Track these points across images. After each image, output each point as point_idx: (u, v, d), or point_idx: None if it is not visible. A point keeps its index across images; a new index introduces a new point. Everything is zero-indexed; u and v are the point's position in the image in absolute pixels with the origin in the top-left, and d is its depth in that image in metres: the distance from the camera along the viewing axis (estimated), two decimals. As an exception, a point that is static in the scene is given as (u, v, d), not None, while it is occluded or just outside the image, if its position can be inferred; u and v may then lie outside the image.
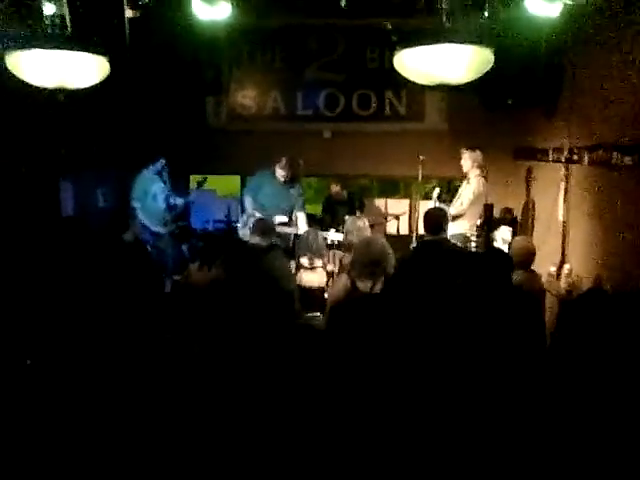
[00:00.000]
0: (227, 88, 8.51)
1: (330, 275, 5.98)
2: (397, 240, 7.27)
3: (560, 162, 6.41)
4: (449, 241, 5.31)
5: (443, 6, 3.99)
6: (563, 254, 6.29)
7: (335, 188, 9.20)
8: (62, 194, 7.18)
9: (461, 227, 6.88)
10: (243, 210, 7.60)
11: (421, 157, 7.20)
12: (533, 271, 5.27)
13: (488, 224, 7.47)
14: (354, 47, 8.68)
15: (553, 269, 6.20)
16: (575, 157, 6.07)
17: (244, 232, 7.17)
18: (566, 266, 6.04)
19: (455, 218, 6.71)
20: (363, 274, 4.55)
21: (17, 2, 4.12)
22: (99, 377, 3.43)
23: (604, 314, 3.04)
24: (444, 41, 3.81)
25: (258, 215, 7.13)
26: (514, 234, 6.97)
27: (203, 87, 7.67)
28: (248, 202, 7.43)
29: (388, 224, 8.88)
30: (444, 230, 5.14)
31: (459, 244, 6.26)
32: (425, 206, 7.09)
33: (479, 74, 4.00)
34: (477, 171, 7.10)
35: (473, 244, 6.93)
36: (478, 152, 7.14)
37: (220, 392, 3.15)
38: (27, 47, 3.86)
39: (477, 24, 4.09)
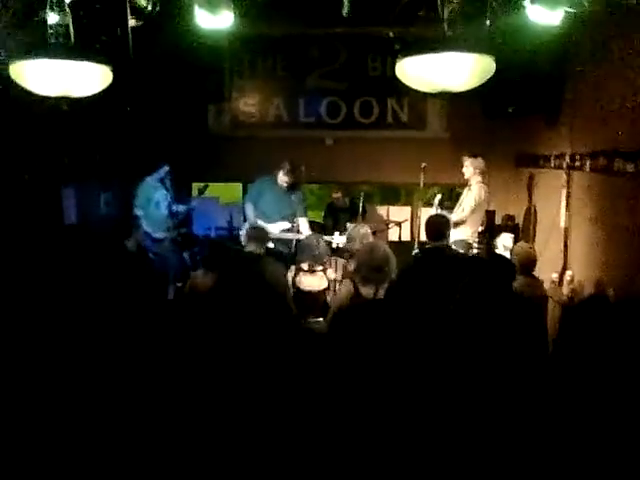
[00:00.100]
0: (229, 96, 8.56)
1: (333, 282, 5.98)
2: (399, 247, 7.27)
3: (562, 169, 6.43)
4: (451, 248, 5.32)
5: (445, 14, 4.00)
6: (565, 260, 6.29)
7: (337, 195, 9.21)
8: (64, 202, 7.20)
9: (463, 234, 6.89)
10: (245, 218, 7.62)
11: (423, 164, 7.22)
12: (535, 277, 5.28)
13: (490, 231, 7.49)
14: (356, 55, 8.72)
15: (555, 275, 6.21)
16: (577, 164, 6.08)
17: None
18: (568, 272, 6.04)
19: (457, 225, 6.72)
20: (366, 280, 4.57)
21: (21, 12, 4.15)
22: (98, 383, 3.44)
23: (606, 320, 3.05)
24: (446, 49, 3.83)
25: (260, 222, 7.15)
26: (516, 240, 6.98)
27: (205, 95, 7.70)
28: (249, 209, 7.44)
29: (390, 231, 8.88)
30: (446, 237, 5.15)
31: (461, 250, 6.27)
32: (427, 213, 7.10)
33: (481, 82, 4.01)
34: (479, 178, 7.12)
35: (475, 251, 6.93)
36: (480, 159, 7.16)
37: (222, 398, 3.15)
38: (31, 56, 3.88)
39: (478, 32, 4.11)
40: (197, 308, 5.01)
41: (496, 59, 3.93)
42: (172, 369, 3.50)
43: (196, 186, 8.42)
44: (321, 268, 5.81)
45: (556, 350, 3.66)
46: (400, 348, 3.42)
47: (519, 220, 7.93)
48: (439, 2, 4.05)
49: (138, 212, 7.42)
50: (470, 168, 7.16)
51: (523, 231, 7.74)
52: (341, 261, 6.70)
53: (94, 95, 4.21)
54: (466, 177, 7.23)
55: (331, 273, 5.99)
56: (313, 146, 8.76)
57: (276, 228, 7.40)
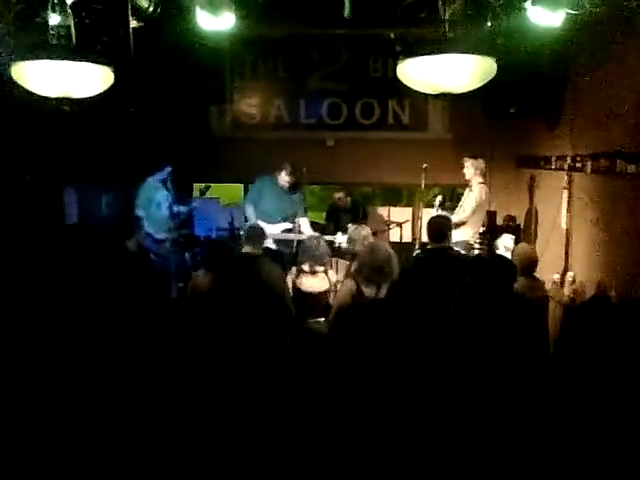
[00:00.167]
0: (231, 97, 8.56)
1: (334, 283, 5.97)
2: (400, 247, 7.26)
3: (563, 170, 6.43)
4: (453, 249, 5.32)
5: (446, 16, 4.00)
6: (566, 261, 6.29)
7: (339, 195, 9.21)
8: (66, 202, 7.20)
9: (464, 234, 6.89)
10: (246, 219, 7.62)
11: (424, 165, 7.22)
12: (536, 278, 5.27)
13: (491, 232, 7.48)
14: (357, 56, 8.72)
15: (556, 276, 6.21)
16: (578, 165, 6.08)
17: None
18: (569, 273, 6.04)
19: (458, 226, 6.72)
20: (368, 280, 4.58)
21: (23, 13, 4.15)
22: (100, 380, 3.45)
23: (608, 321, 3.04)
24: (447, 51, 3.83)
25: (261, 223, 7.14)
26: (517, 241, 6.98)
27: (207, 96, 7.70)
28: (250, 211, 7.44)
29: (391, 232, 8.87)
30: (448, 238, 5.15)
31: (462, 251, 6.27)
32: (428, 214, 7.09)
33: (482, 83, 4.01)
34: (479, 179, 7.13)
35: (476, 251, 6.93)
36: (480, 160, 7.17)
37: (221, 396, 3.16)
38: (32, 57, 3.89)
39: (480, 34, 4.11)
40: (197, 308, 5.02)
41: (497, 60, 3.93)
42: (173, 367, 3.51)
43: (197, 187, 8.42)
44: (322, 269, 5.80)
45: (557, 351, 3.65)
46: (401, 348, 3.43)
47: (520, 221, 7.93)
48: (440, 3, 4.05)
49: (139, 213, 7.42)
50: (471, 169, 7.17)
51: (524, 232, 7.75)
52: (342, 262, 6.71)
53: (95, 96, 4.22)
54: (467, 178, 7.24)
55: (332, 274, 5.98)
56: (314, 147, 8.77)
57: (277, 229, 7.41)
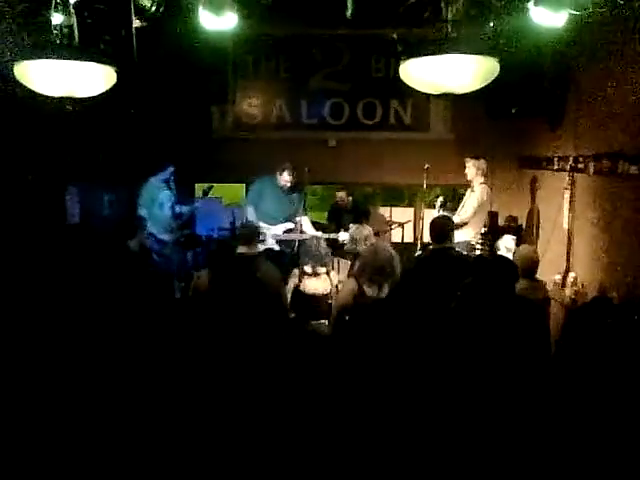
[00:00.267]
0: (233, 97, 8.56)
1: (336, 284, 5.97)
2: (401, 248, 7.27)
3: (565, 171, 6.42)
4: (455, 249, 5.32)
5: (448, 16, 4.01)
6: (568, 262, 6.29)
7: (341, 195, 9.21)
8: (68, 202, 7.20)
9: (466, 235, 6.89)
10: (247, 220, 7.61)
11: (426, 165, 7.23)
12: (537, 280, 5.27)
13: (493, 232, 7.48)
14: (359, 57, 8.71)
15: (558, 277, 6.20)
16: (580, 166, 6.08)
17: None
18: (571, 274, 6.04)
19: (459, 226, 6.72)
20: (371, 280, 4.60)
21: (26, 12, 4.16)
22: (101, 380, 3.45)
23: (609, 322, 3.05)
24: (450, 51, 3.83)
25: (263, 224, 7.16)
26: (519, 242, 6.98)
27: (209, 96, 7.71)
28: (250, 212, 7.42)
29: (393, 232, 8.87)
30: (450, 238, 5.15)
31: (464, 252, 6.27)
32: (429, 214, 7.10)
33: (484, 83, 4.01)
34: (481, 179, 7.13)
35: (478, 252, 6.93)
36: (482, 160, 7.17)
37: (220, 396, 3.16)
38: (35, 57, 3.90)
39: (482, 34, 4.12)
40: (198, 308, 5.02)
41: (500, 61, 3.93)
42: (175, 366, 3.51)
43: (199, 187, 8.42)
44: (324, 270, 5.80)
45: (559, 352, 3.66)
46: (403, 348, 3.43)
47: (522, 221, 7.93)
48: (443, 4, 4.06)
49: (142, 212, 7.42)
50: (473, 169, 7.17)
51: (526, 232, 7.74)
52: (344, 262, 6.71)
53: (98, 96, 4.22)
54: (469, 178, 7.24)
55: (334, 275, 5.98)
56: (316, 147, 8.76)
57: (279, 229, 7.41)
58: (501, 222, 8.00)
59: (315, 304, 5.69)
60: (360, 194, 9.64)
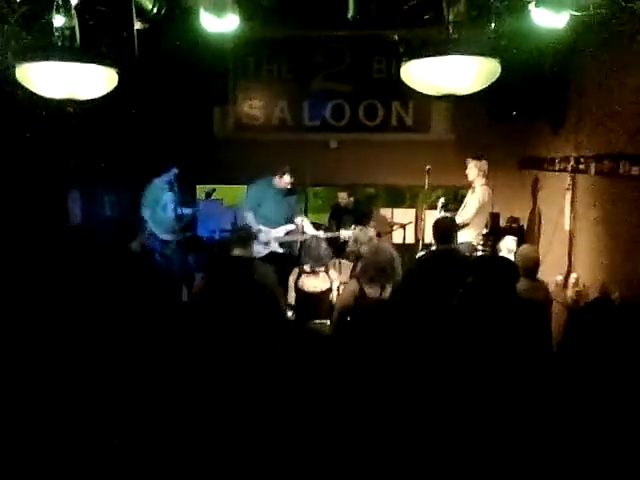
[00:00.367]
0: (234, 99, 8.57)
1: (337, 283, 5.98)
2: (403, 249, 7.27)
3: (566, 172, 6.42)
4: (458, 251, 5.31)
5: (450, 17, 4.00)
6: (570, 263, 6.29)
7: (342, 196, 9.21)
8: (70, 204, 7.21)
9: (467, 236, 6.89)
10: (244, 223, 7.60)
11: (427, 166, 7.23)
12: (538, 280, 5.27)
13: (494, 233, 7.48)
14: (361, 58, 8.72)
15: (560, 278, 6.20)
16: (581, 167, 6.08)
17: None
18: (573, 275, 6.04)
19: (461, 227, 6.72)
20: (372, 280, 4.60)
21: (28, 15, 4.16)
22: (104, 381, 3.45)
23: (611, 323, 3.04)
24: (451, 52, 3.82)
25: (265, 229, 7.17)
26: (520, 243, 6.98)
27: (210, 98, 7.72)
28: (250, 218, 7.39)
29: (394, 233, 8.87)
30: (453, 239, 5.15)
31: (467, 253, 6.27)
32: (431, 215, 7.11)
33: (486, 85, 4.01)
34: (482, 180, 7.13)
35: (479, 253, 6.93)
36: (483, 161, 7.17)
37: (219, 398, 3.16)
38: (37, 59, 3.90)
39: (484, 35, 4.11)
40: (195, 310, 5.03)
41: (501, 62, 3.93)
42: (179, 368, 3.51)
43: (201, 189, 8.43)
44: (323, 269, 5.81)
45: (560, 353, 3.65)
46: (405, 349, 3.43)
47: (523, 222, 7.93)
48: (444, 5, 4.05)
49: (145, 213, 7.43)
50: (474, 170, 7.17)
51: (528, 233, 7.74)
52: (346, 263, 6.72)
53: (100, 98, 4.23)
54: (470, 179, 7.23)
55: (333, 273, 5.99)
56: (318, 149, 8.77)
57: (281, 231, 7.41)
58: (502, 223, 8.01)
59: (315, 303, 5.70)
60: (361, 195, 9.62)
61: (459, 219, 6.84)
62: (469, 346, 3.60)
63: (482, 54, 3.87)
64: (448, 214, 6.83)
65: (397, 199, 12.74)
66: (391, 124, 8.89)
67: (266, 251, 7.30)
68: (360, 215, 8.56)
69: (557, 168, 6.78)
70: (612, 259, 5.42)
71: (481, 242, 7.10)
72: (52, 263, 5.67)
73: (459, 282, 4.08)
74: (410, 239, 8.78)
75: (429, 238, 6.95)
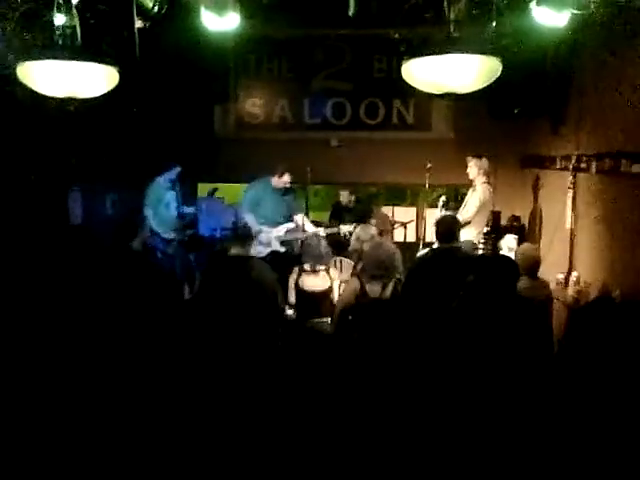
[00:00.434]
0: (235, 97, 8.57)
1: (338, 282, 5.98)
2: (404, 247, 7.28)
3: (568, 170, 6.42)
4: (461, 249, 5.30)
5: (451, 16, 4.00)
6: (571, 262, 6.28)
7: (343, 194, 9.22)
8: (70, 202, 7.21)
9: (468, 234, 6.88)
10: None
11: (428, 165, 7.23)
12: (539, 279, 5.27)
13: (495, 231, 7.48)
14: (361, 56, 8.71)
15: (561, 276, 6.20)
16: (583, 165, 6.07)
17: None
18: (574, 274, 6.03)
19: (462, 226, 6.71)
20: (373, 277, 4.60)
21: (29, 13, 4.17)
22: (105, 380, 3.45)
23: (612, 322, 3.04)
24: (452, 51, 3.83)
25: (265, 229, 7.17)
26: (521, 241, 6.98)
27: (211, 96, 7.71)
28: (250, 219, 7.37)
29: (395, 231, 8.88)
30: (456, 238, 5.14)
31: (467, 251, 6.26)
32: (432, 214, 7.12)
33: (487, 83, 4.01)
34: (483, 179, 7.12)
35: (480, 252, 6.93)
36: (484, 160, 7.16)
37: (218, 398, 3.16)
38: (38, 58, 3.90)
39: (485, 34, 4.11)
40: (194, 309, 5.03)
41: (502, 60, 3.93)
42: (181, 367, 3.51)
43: (202, 187, 8.43)
44: (323, 267, 5.82)
45: (561, 351, 3.65)
46: (407, 347, 3.43)
47: (524, 221, 7.93)
48: (445, 3, 4.05)
49: (147, 211, 7.44)
50: (475, 169, 7.16)
51: (529, 232, 7.74)
52: (347, 261, 6.72)
53: (101, 96, 4.23)
54: (471, 178, 7.23)
55: (334, 272, 5.99)
56: (319, 147, 8.77)
57: (282, 230, 7.41)
58: (503, 222, 8.01)
59: (315, 301, 5.70)
60: (363, 194, 9.64)
61: (460, 218, 6.83)
62: (470, 345, 3.60)
63: (483, 53, 3.87)
64: (449, 212, 6.83)
65: (398, 197, 12.76)
66: (392, 122, 8.87)
67: (267, 251, 7.30)
68: (361, 213, 8.57)
69: (558, 166, 6.77)
70: (613, 257, 5.42)
71: (482, 241, 7.10)
72: (53, 262, 5.67)
73: (460, 280, 4.08)
74: (411, 237, 8.80)
75: (430, 237, 6.96)
